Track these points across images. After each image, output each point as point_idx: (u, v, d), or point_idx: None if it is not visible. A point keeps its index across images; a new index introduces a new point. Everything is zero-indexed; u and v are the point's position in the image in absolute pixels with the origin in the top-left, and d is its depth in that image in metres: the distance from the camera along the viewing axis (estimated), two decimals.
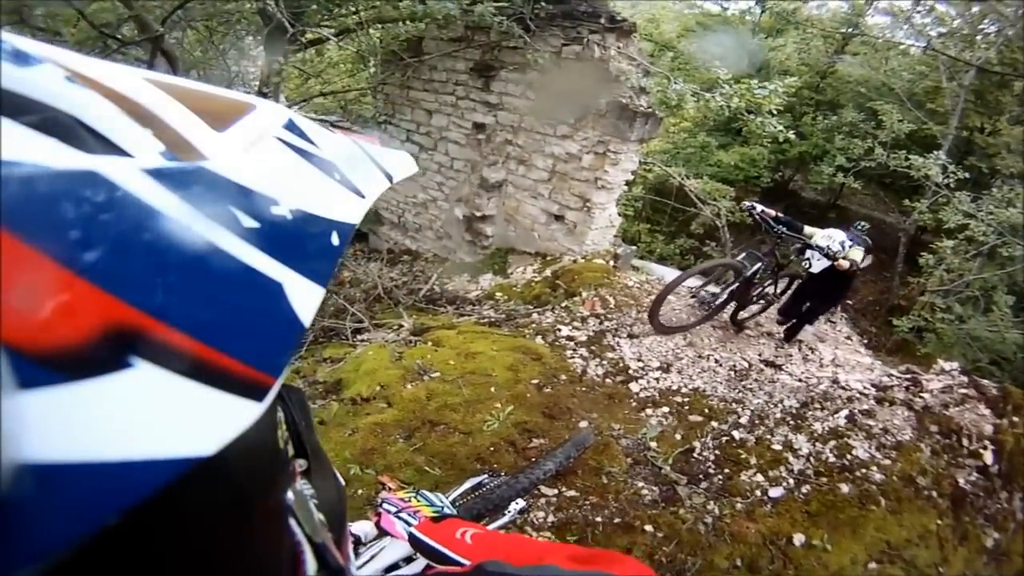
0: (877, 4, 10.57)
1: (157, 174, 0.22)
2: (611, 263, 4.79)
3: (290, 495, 0.43)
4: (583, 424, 2.60)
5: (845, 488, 2.14)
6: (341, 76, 8.07)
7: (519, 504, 1.54)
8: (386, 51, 5.36)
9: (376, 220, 6.71)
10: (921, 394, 2.62)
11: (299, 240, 0.29)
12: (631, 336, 3.57)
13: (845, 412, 2.56)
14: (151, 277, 0.20)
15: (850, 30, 10.60)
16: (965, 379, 2.70)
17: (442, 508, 1.17)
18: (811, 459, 2.32)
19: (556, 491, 2.13)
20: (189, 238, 0.22)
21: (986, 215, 6.69)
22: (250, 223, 0.25)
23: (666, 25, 13.26)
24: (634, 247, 5.96)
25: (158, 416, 0.20)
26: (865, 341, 5.62)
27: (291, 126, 0.35)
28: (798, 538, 1.98)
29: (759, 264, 3.55)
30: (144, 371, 0.20)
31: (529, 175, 5.14)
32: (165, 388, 0.20)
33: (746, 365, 3.39)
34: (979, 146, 8.80)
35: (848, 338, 4.82)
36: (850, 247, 3.42)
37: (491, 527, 1.43)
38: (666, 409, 2.80)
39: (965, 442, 2.33)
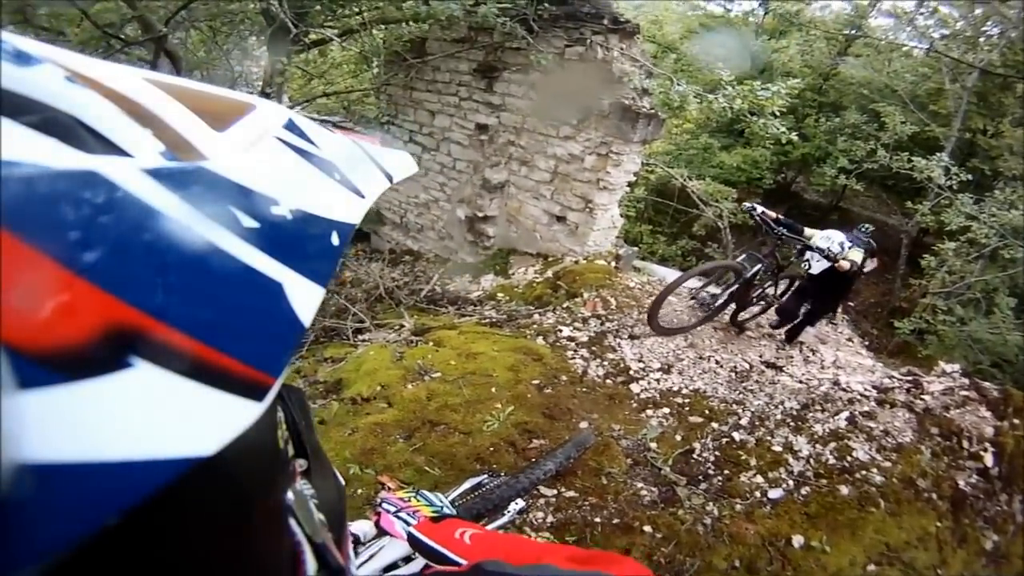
0: (880, 6, 10.58)
1: (157, 174, 0.22)
2: (613, 264, 4.79)
3: (290, 495, 0.43)
4: (583, 425, 2.60)
5: (845, 490, 2.14)
6: (344, 77, 8.08)
7: (518, 504, 1.54)
8: (389, 52, 5.36)
9: (378, 220, 6.71)
10: (922, 396, 2.62)
11: (299, 240, 0.29)
12: (632, 337, 3.57)
13: (846, 414, 2.55)
14: (151, 277, 0.21)
15: (853, 32, 10.60)
16: (966, 381, 2.70)
17: (441, 508, 1.18)
18: (811, 461, 2.31)
19: (555, 491, 2.13)
20: (189, 238, 0.22)
21: (988, 217, 6.69)
22: (250, 223, 0.25)
23: (669, 27, 13.26)
24: (636, 248, 5.97)
25: (158, 416, 0.20)
26: (866, 343, 5.59)
27: (291, 126, 0.35)
28: (797, 539, 1.98)
29: (759, 265, 3.55)
30: (144, 371, 0.20)
31: (531, 176, 5.13)
32: (165, 388, 0.20)
33: (747, 366, 3.39)
34: (982, 148, 8.78)
35: (849, 340, 4.81)
36: (849, 248, 3.42)
37: (490, 527, 1.43)
38: (666, 410, 2.79)
39: (965, 444, 2.33)
